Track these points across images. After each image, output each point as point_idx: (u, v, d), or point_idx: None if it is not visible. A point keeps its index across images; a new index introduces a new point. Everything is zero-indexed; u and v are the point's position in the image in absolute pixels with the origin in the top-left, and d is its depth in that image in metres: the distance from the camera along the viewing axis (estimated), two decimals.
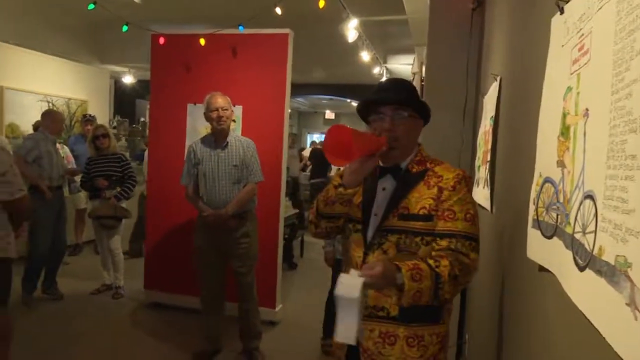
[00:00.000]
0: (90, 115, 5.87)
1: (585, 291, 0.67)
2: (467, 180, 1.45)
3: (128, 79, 9.18)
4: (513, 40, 1.74)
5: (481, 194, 2.29)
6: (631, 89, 0.58)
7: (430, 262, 1.33)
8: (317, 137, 18.53)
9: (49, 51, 6.23)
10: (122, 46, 8.21)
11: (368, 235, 1.49)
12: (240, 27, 3.71)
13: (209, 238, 3.09)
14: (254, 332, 3.28)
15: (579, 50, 0.81)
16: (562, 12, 0.93)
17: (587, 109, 0.75)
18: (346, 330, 1.23)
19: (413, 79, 5.11)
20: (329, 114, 17.21)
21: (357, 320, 1.21)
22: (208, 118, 3.04)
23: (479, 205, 2.43)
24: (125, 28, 4.01)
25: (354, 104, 13.57)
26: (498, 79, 2.01)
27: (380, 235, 1.46)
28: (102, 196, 4.27)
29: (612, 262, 0.58)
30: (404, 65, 7.80)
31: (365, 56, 5.43)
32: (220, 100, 3.01)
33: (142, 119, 10.16)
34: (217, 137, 3.08)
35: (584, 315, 0.68)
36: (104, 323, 3.83)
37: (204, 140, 3.16)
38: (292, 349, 3.48)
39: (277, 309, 3.93)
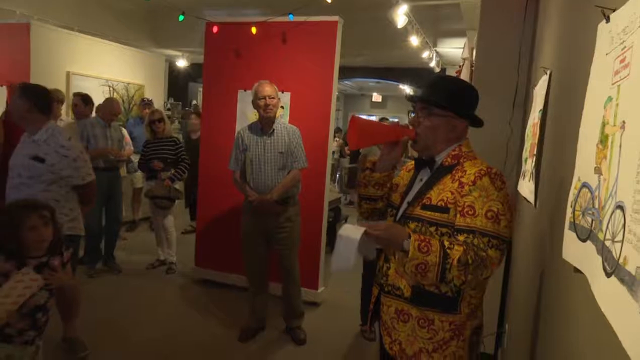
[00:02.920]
0: (147, 99, 6.17)
1: (609, 296, 0.72)
2: (492, 176, 1.45)
3: (181, 63, 9.50)
4: (563, 36, 1.72)
5: (526, 187, 2.28)
6: None
7: (445, 242, 1.39)
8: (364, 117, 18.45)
9: (109, 37, 6.56)
10: (176, 31, 8.48)
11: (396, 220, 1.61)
12: (290, 16, 3.77)
13: (254, 222, 3.24)
14: (296, 312, 3.43)
15: (621, 62, 0.83)
16: (607, 20, 0.94)
17: (624, 122, 0.78)
18: (342, 263, 1.40)
19: (463, 64, 5.00)
20: (376, 97, 17.06)
21: (354, 257, 1.38)
22: (256, 105, 3.15)
23: (524, 198, 2.42)
24: (181, 17, 4.16)
25: (402, 87, 13.40)
26: (548, 72, 1.98)
27: (403, 222, 1.56)
28: (158, 177, 4.52)
29: (633, 272, 0.63)
30: (454, 49, 7.62)
31: (414, 40, 5.37)
32: (268, 89, 3.11)
33: (194, 102, 10.53)
34: (264, 124, 3.20)
35: (604, 315, 0.72)
36: (158, 296, 4.10)
37: (251, 127, 3.28)
38: (333, 330, 3.61)
39: (319, 290, 4.06)
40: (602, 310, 0.74)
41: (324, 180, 4.00)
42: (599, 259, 0.81)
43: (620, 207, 0.73)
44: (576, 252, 0.99)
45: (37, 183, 2.59)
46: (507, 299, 2.98)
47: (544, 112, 2.02)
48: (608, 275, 0.74)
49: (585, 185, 0.96)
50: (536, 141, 2.16)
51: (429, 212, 1.50)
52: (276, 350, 3.27)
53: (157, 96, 7.06)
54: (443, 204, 1.48)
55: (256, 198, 3.14)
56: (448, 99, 1.54)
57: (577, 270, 1.01)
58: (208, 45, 4.26)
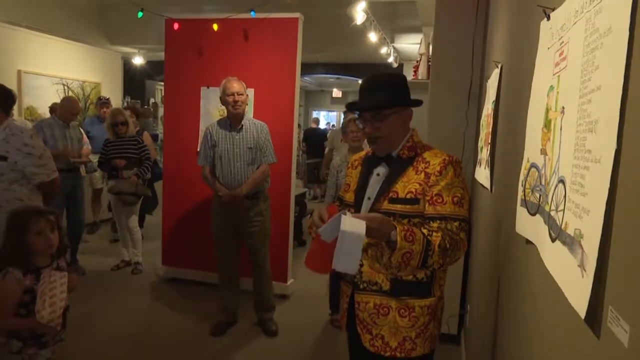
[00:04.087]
0: (104, 98, 6.02)
1: (555, 258, 0.83)
2: (454, 165, 1.54)
3: (138, 60, 9.29)
4: (511, 32, 1.86)
5: (482, 174, 2.44)
6: (591, 96, 0.72)
7: (424, 230, 1.45)
8: (324, 115, 18.63)
9: (60, 34, 6.35)
10: (130, 27, 8.30)
11: None
12: (252, 13, 3.80)
13: (224, 217, 3.27)
14: (267, 305, 3.49)
15: (560, 55, 0.95)
16: (548, 18, 1.06)
17: (563, 107, 0.89)
18: (349, 262, 1.35)
19: (420, 59, 5.18)
20: (336, 93, 17.23)
21: (360, 254, 1.35)
22: (224, 102, 3.18)
23: (481, 184, 2.58)
24: (140, 14, 4.10)
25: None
26: (499, 65, 2.12)
27: None
28: (120, 176, 4.44)
29: (572, 234, 0.74)
30: (411, 45, 7.83)
31: (373, 37, 5.50)
32: (236, 85, 3.15)
33: (152, 100, 10.31)
34: (233, 121, 3.23)
35: (553, 277, 0.83)
36: (125, 296, 4.06)
37: (220, 123, 3.30)
38: (304, 321, 3.69)
39: (288, 283, 4.13)
40: (550, 272, 0.85)
41: (290, 175, 4.07)
42: (546, 228, 0.92)
43: (562, 181, 0.85)
44: (527, 225, 1.11)
45: (1, 182, 2.53)
46: (468, 282, 3.15)
47: (497, 103, 2.16)
48: (553, 240, 0.86)
49: (533, 165, 1.08)
50: (490, 130, 2.31)
51: (399, 205, 1.54)
52: (249, 343, 3.32)
53: (115, 94, 6.89)
54: (412, 196, 1.52)
55: (226, 193, 3.17)
56: (393, 98, 1.60)
57: (528, 242, 1.13)
58: (168, 42, 4.23)
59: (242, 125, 3.23)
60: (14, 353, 2.01)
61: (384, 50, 7.22)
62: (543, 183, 0.99)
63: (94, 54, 6.77)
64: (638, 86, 0.58)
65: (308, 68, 10.13)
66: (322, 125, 16.07)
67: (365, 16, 4.64)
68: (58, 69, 5.95)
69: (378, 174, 1.65)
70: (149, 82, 10.98)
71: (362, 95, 1.65)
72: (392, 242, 1.41)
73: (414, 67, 5.45)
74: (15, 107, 4.72)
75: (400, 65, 8.88)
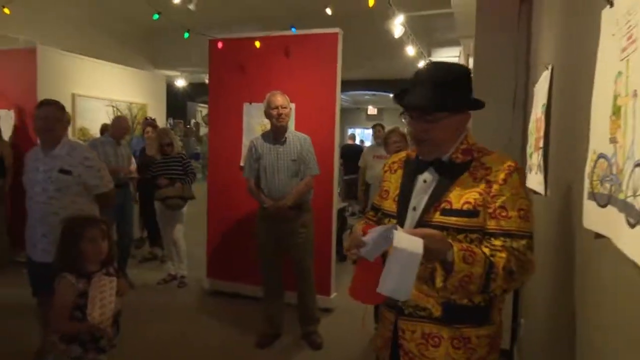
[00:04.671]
0: (150, 118, 6.27)
1: (632, 238, 0.80)
2: (519, 172, 1.33)
3: (180, 83, 9.64)
4: (565, 30, 1.83)
5: (534, 180, 2.37)
6: None
7: (486, 250, 1.26)
8: (359, 133, 18.66)
9: (108, 58, 6.70)
10: (173, 51, 8.68)
11: None
12: (293, 29, 3.90)
13: (269, 229, 3.31)
14: (312, 317, 3.48)
15: (628, 39, 0.93)
16: (611, 5, 1.04)
17: (635, 90, 0.87)
18: (400, 285, 1.16)
19: None
20: (372, 110, 17.28)
21: (414, 278, 1.16)
22: (268, 115, 3.25)
23: (533, 190, 2.51)
24: (186, 35, 4.29)
25: None
26: (549, 67, 2.09)
27: None
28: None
29: None
30: (447, 59, 7.78)
31: (410, 51, 5.51)
32: (280, 99, 3.22)
33: (193, 121, 10.65)
34: (276, 133, 3.29)
35: (635, 265, 0.80)
36: (172, 309, 4.14)
37: (264, 136, 3.37)
38: (349, 334, 3.65)
39: (332, 296, 4.11)
40: (632, 258, 0.82)
41: (332, 188, 4.08)
42: (622, 216, 0.89)
43: (639, 165, 0.82)
44: (597, 218, 1.07)
45: (66, 195, 2.69)
46: (520, 293, 3.04)
47: (548, 105, 2.12)
48: (632, 226, 0.83)
49: (601, 156, 1.05)
50: (541, 135, 2.25)
51: (454, 218, 1.32)
52: (294, 356, 3.31)
53: (160, 115, 7.17)
54: (470, 207, 1.31)
55: (271, 205, 3.22)
56: (453, 98, 1.36)
57: (598, 237, 1.09)
58: (212, 62, 4.38)
59: (286, 138, 3.29)
60: (74, 358, 2.08)
61: (420, 64, 7.21)
62: (615, 172, 0.96)
63: (141, 77, 7.09)
64: None
65: (344, 85, 10.12)
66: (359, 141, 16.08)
67: (403, 30, 4.67)
68: (108, 91, 6.26)
69: (425, 181, 1.42)
70: (190, 103, 11.37)
71: (415, 87, 1.39)
72: (447, 263, 1.21)
73: None
74: (69, 128, 4.99)
75: None
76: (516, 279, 1.25)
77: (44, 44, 5.58)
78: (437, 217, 1.35)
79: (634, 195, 0.83)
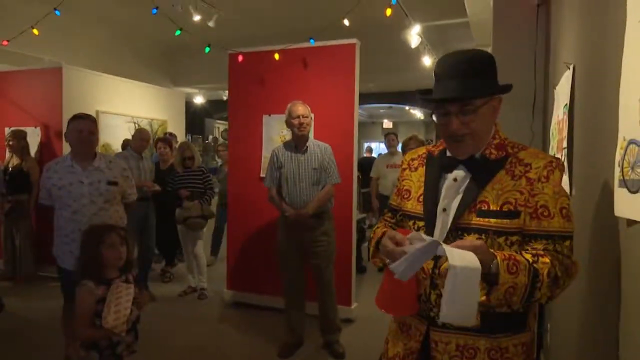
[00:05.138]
0: (170, 134, 6.39)
1: None
2: (560, 169, 1.25)
3: (199, 100, 9.82)
4: (586, 27, 1.83)
5: None
6: None
7: (527, 256, 1.17)
8: (375, 146, 18.69)
9: (129, 77, 6.88)
10: (192, 69, 8.87)
11: (435, 235, 1.29)
12: (312, 40, 3.96)
13: (290, 237, 3.32)
14: (334, 326, 3.46)
15: None
16: None
17: None
18: (466, 308, 1.06)
19: None
20: (387, 124, 17.28)
21: (478, 297, 1.06)
22: (290, 124, 3.29)
23: None
24: (207, 49, 4.39)
25: (413, 111, 13.57)
26: (571, 67, 2.08)
27: (455, 236, 1.26)
28: (184, 205, 4.61)
29: None
30: None
31: (427, 61, 5.53)
32: (301, 109, 3.26)
33: (211, 136, 10.81)
34: (298, 142, 3.33)
35: None
36: (193, 320, 4.16)
37: (286, 145, 3.42)
38: (370, 344, 3.57)
39: (352, 306, 4.08)
40: None
41: (351, 199, 4.08)
42: None
43: None
44: (629, 205, 1.06)
45: (112, 205, 2.85)
46: None
47: (571, 106, 2.10)
48: None
49: (632, 142, 1.04)
50: (564, 136, 2.24)
51: (493, 220, 1.23)
52: None
53: (179, 131, 7.30)
54: (511, 207, 1.22)
55: (292, 213, 3.23)
56: (486, 82, 1.27)
57: (630, 224, 1.08)
58: (232, 75, 4.46)
59: (307, 147, 3.32)
60: None
61: None
62: None
63: (161, 94, 7.25)
64: None
65: (360, 98, 10.28)
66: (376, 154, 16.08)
67: (420, 40, 4.70)
68: (130, 108, 6.41)
69: (455, 179, 1.32)
70: (207, 120, 11.55)
71: (445, 80, 1.28)
72: (491, 275, 1.13)
73: None
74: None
75: None
76: (561, 285, 1.18)
77: (68, 63, 5.76)
78: (475, 220, 1.25)
79: None
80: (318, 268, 3.36)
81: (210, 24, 5.23)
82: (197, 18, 4.98)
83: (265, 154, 4.27)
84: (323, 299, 3.42)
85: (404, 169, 1.49)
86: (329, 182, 3.33)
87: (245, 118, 4.40)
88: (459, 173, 1.32)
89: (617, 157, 1.13)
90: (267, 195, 3.46)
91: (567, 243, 1.21)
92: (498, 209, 1.23)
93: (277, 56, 4.06)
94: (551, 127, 2.76)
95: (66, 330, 2.89)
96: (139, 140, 4.62)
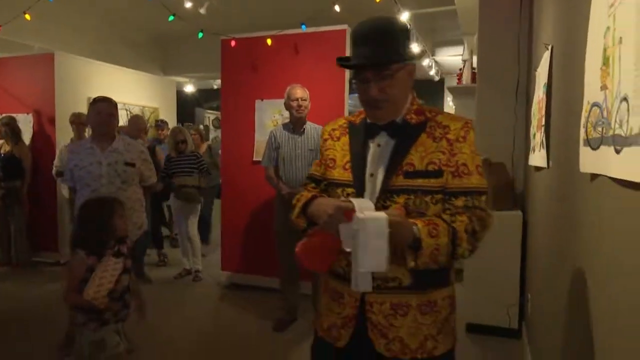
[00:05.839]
0: (161, 121, 6.45)
1: (624, 163, 0.93)
2: (474, 130, 1.36)
3: (189, 88, 9.84)
4: (562, 10, 1.96)
5: (537, 156, 2.50)
6: None
7: (445, 217, 1.27)
8: None
9: (121, 64, 6.90)
10: (183, 58, 8.90)
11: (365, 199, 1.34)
12: (303, 26, 4.06)
13: (286, 215, 3.42)
14: None
15: None
16: None
17: (621, 38, 1.00)
18: (378, 256, 1.14)
19: (464, 66, 5.27)
20: None
21: (386, 245, 1.14)
22: (288, 106, 3.41)
23: (536, 167, 2.63)
24: (200, 35, 4.46)
25: None
26: (549, 47, 2.22)
27: (385, 198, 1.31)
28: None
29: (637, 131, 0.84)
30: (451, 57, 7.94)
31: (415, 48, 5.65)
32: (300, 92, 3.38)
33: (202, 125, 10.85)
34: (295, 124, 3.45)
35: (624, 183, 0.93)
36: (189, 300, 4.27)
37: (284, 126, 3.55)
38: None
39: None
40: (620, 177, 0.94)
41: None
42: (610, 149, 1.02)
43: (624, 99, 0.95)
44: (591, 160, 1.20)
45: (130, 186, 2.96)
46: (526, 268, 3.15)
47: (549, 84, 2.25)
48: (618, 152, 0.95)
49: (594, 104, 1.18)
50: (543, 114, 2.38)
51: (420, 180, 1.30)
52: (309, 338, 3.39)
53: (171, 119, 7.34)
54: (436, 167, 1.30)
55: (288, 191, 3.36)
56: (399, 49, 1.31)
57: (592, 178, 1.22)
58: (224, 61, 4.54)
59: (304, 129, 3.44)
60: (81, 325, 2.21)
61: (425, 62, 7.36)
62: (605, 115, 1.09)
63: (152, 82, 7.28)
64: None
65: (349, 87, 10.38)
66: None
67: (409, 27, 4.81)
68: (122, 95, 6.43)
69: (379, 145, 1.37)
70: (198, 109, 11.57)
71: (362, 46, 1.32)
72: (416, 241, 1.21)
73: (457, 74, 5.55)
74: (86, 131, 5.17)
75: (442, 79, 8.97)
76: (479, 238, 1.28)
77: (59, 51, 5.78)
78: (402, 181, 1.31)
79: (620, 126, 0.96)
80: None
81: (202, 10, 5.29)
82: (188, 5, 5.03)
83: (258, 138, 4.37)
84: (318, 277, 3.55)
85: (326, 140, 1.51)
86: None
87: (237, 103, 4.49)
88: (382, 139, 1.37)
89: (582, 120, 1.27)
90: (264, 175, 3.57)
91: (483, 198, 1.31)
92: (424, 169, 1.30)
93: (269, 41, 4.15)
94: (533, 107, 2.91)
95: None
96: (135, 127, 4.69)
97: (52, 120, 5.47)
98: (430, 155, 1.31)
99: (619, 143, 0.95)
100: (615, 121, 1.00)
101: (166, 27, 4.69)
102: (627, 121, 0.91)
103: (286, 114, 4.00)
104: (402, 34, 1.33)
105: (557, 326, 1.80)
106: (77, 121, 5.07)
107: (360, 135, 1.41)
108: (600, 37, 1.16)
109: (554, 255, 1.97)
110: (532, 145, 2.83)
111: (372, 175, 1.35)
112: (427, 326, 1.34)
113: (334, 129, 1.50)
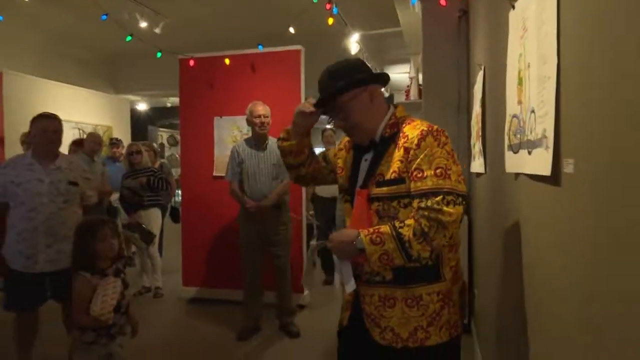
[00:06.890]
0: (116, 139, 6.40)
1: (532, 161, 1.17)
2: (434, 135, 1.42)
3: (142, 106, 9.75)
4: (491, 34, 2.26)
5: (477, 164, 2.78)
6: (545, 52, 1.08)
7: (396, 223, 1.38)
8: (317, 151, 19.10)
9: (70, 83, 6.81)
10: (134, 76, 8.85)
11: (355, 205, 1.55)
12: (260, 46, 4.24)
13: (251, 227, 3.57)
14: (289, 309, 3.74)
15: (523, 29, 1.32)
16: (514, 8, 1.44)
17: (529, 63, 1.25)
18: (347, 281, 1.51)
19: (411, 83, 5.63)
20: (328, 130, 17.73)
21: (349, 270, 1.50)
22: (251, 123, 3.55)
23: (477, 174, 2.92)
24: (159, 54, 4.54)
25: None
26: (482, 67, 2.52)
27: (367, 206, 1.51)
28: (141, 203, 4.66)
29: (540, 135, 1.08)
30: (399, 75, 8.37)
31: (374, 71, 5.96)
32: (261, 109, 3.54)
33: (157, 143, 10.74)
34: (258, 140, 3.60)
35: (532, 176, 1.17)
36: (150, 317, 4.26)
37: (247, 141, 3.68)
38: (322, 326, 3.90)
39: (305, 293, 4.37)
40: (528, 172, 1.18)
41: (301, 195, 4.37)
42: (525, 151, 1.26)
43: (532, 111, 1.19)
44: (513, 162, 1.44)
45: (71, 206, 2.86)
46: (474, 266, 3.42)
47: (483, 100, 2.54)
48: (530, 153, 1.20)
49: (514, 116, 1.43)
50: (480, 125, 2.67)
51: (385, 188, 1.45)
52: (274, 345, 3.54)
53: (124, 137, 7.28)
54: (396, 176, 1.43)
55: (253, 205, 3.49)
56: (346, 78, 1.50)
57: (517, 177, 1.46)
58: (183, 79, 4.64)
59: (267, 144, 3.60)
60: (90, 343, 2.27)
61: None
62: (522, 125, 1.34)
63: (105, 100, 7.24)
64: (567, 31, 0.94)
65: None
66: None
67: (359, 47, 5.11)
68: (73, 114, 6.37)
69: (366, 160, 1.56)
70: (151, 127, 11.44)
71: (321, 89, 1.57)
72: (360, 250, 1.39)
73: (405, 90, 5.89)
74: None
75: (391, 95, 9.39)
76: (436, 237, 1.33)
77: (6, 69, 5.66)
78: (374, 190, 1.48)
79: (530, 133, 1.20)
80: (277, 255, 3.64)
81: (157, 30, 5.36)
82: (144, 25, 5.10)
83: (218, 154, 4.49)
84: (280, 284, 3.69)
85: (340, 149, 1.73)
86: (286, 177, 3.61)
87: (196, 120, 4.59)
88: (369, 154, 1.56)
89: (506, 129, 1.52)
90: (228, 189, 3.68)
91: (438, 198, 1.34)
92: (390, 178, 1.45)
93: (227, 61, 4.31)
94: (472, 120, 3.22)
95: (67, 324, 2.92)
96: (92, 144, 4.68)
97: (0, 140, 5.34)
98: (394, 164, 1.45)
99: (530, 146, 1.19)
100: (528, 129, 1.24)
101: (116, 45, 4.72)
102: (534, 128, 1.15)
103: (245, 129, 4.16)
104: (347, 68, 1.53)
105: (497, 318, 2.03)
106: (28, 140, 4.97)
107: (356, 152, 1.63)
108: (515, 61, 1.41)
109: (492, 251, 2.22)
110: (472, 153, 3.12)
111: (360, 187, 1.56)
112: (416, 318, 1.46)
113: (348, 141, 1.71)
